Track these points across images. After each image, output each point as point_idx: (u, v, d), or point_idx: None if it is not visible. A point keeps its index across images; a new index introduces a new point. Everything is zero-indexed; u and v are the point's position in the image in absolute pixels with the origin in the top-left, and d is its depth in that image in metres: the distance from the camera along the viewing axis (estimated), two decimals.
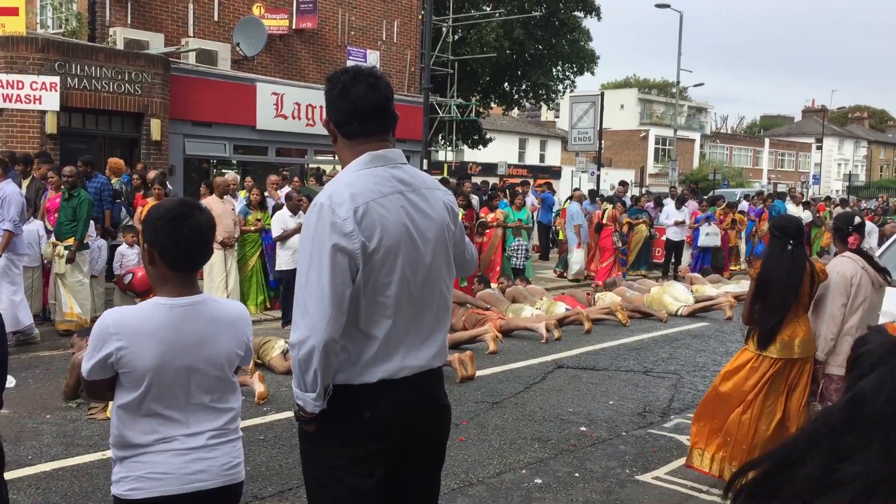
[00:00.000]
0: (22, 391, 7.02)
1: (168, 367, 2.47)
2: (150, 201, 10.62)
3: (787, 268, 4.83)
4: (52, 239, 9.23)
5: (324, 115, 2.69)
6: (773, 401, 4.92)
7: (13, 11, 13.14)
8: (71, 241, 9.07)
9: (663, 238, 17.01)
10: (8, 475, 5.07)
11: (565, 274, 16.00)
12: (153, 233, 2.52)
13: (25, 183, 10.20)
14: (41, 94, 13.11)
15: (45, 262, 9.47)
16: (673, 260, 16.91)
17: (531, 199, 18.42)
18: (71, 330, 9.01)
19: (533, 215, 17.57)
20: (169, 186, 12.02)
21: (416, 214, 2.55)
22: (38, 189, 10.14)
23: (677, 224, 16.53)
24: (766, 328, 4.85)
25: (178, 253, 2.50)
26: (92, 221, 9.86)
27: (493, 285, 13.00)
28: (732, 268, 18.12)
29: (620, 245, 15.99)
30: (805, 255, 4.99)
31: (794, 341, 4.86)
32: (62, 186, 9.38)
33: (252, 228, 10.94)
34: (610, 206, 16.44)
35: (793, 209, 19.70)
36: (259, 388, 6.95)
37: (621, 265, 15.89)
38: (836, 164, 73.80)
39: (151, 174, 11.91)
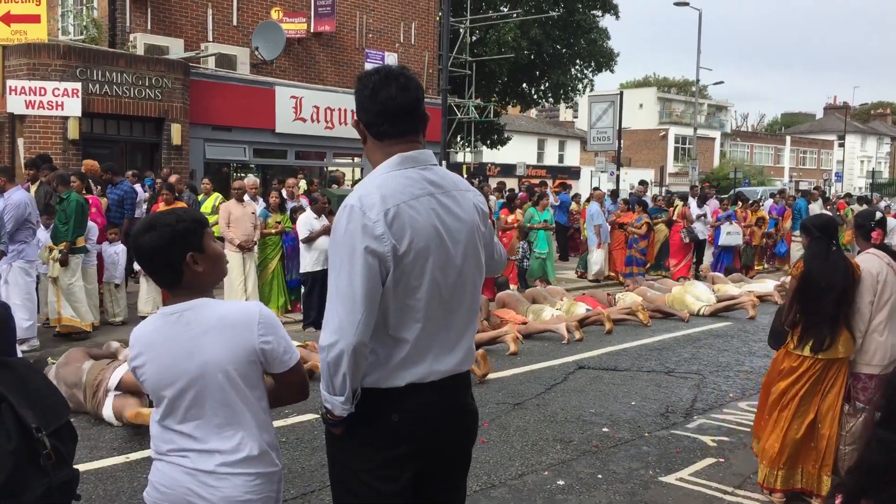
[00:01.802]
0: None
1: (168, 378, 2.42)
2: (162, 206, 10.68)
3: (841, 268, 4.81)
4: (49, 243, 9.17)
5: (347, 118, 2.67)
6: (808, 402, 4.87)
7: (35, 19, 13.28)
8: (64, 246, 8.99)
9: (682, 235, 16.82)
10: None
11: (586, 274, 15.93)
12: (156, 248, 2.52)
13: (34, 188, 10.18)
14: (63, 100, 13.25)
15: (42, 265, 9.39)
16: (694, 259, 16.77)
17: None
18: (72, 332, 9.01)
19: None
20: (188, 193, 12.09)
21: (446, 217, 2.52)
22: (47, 193, 10.13)
23: (699, 219, 16.39)
24: (825, 331, 4.77)
25: (149, 271, 2.54)
26: (94, 225, 9.85)
27: (513, 286, 12.98)
28: (757, 267, 17.99)
29: (688, 241, 16.25)
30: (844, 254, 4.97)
31: (839, 340, 4.81)
32: (55, 193, 9.38)
33: (272, 231, 10.97)
34: (681, 204, 16.83)
35: (812, 208, 19.51)
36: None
37: (639, 265, 15.81)
38: (858, 162, 73.03)
39: (173, 178, 11.99)
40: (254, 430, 2.45)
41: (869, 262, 4.87)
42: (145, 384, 2.48)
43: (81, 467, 5.32)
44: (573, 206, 18.70)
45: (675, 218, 16.46)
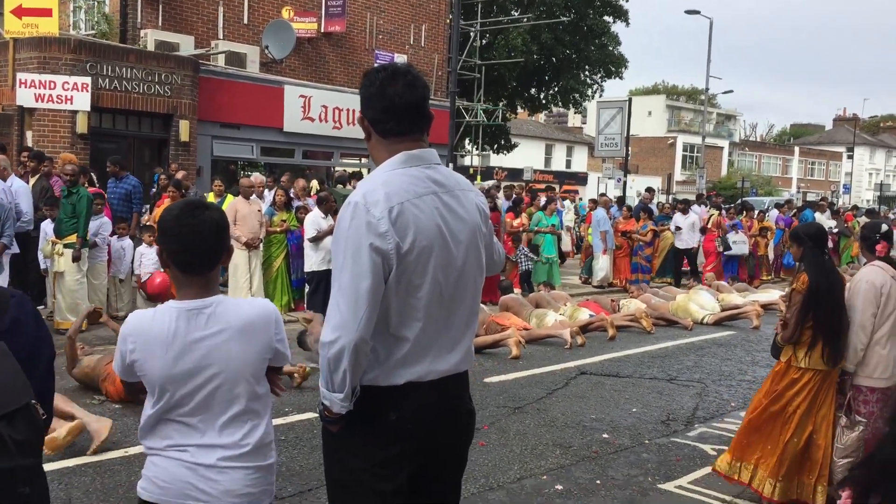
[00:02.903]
0: None
1: (176, 374, 2.38)
2: (168, 203, 10.72)
3: (839, 277, 4.85)
4: (51, 237, 9.12)
5: (355, 118, 2.67)
6: (807, 413, 4.85)
7: (46, 12, 13.32)
8: (73, 239, 8.89)
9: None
10: None
11: (590, 280, 15.91)
12: (161, 234, 2.49)
13: (33, 180, 10.13)
14: (73, 94, 13.28)
15: (45, 259, 9.40)
16: (689, 268, 16.67)
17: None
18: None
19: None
20: (193, 189, 12.10)
21: (449, 216, 2.52)
22: (44, 188, 10.11)
23: (678, 229, 16.23)
24: (834, 341, 4.76)
25: (180, 253, 2.41)
26: (108, 220, 9.87)
27: (516, 290, 12.97)
28: (764, 277, 17.93)
29: (722, 250, 16.47)
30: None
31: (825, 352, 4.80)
32: (63, 185, 9.35)
33: (278, 229, 10.98)
34: (716, 213, 17.09)
35: (820, 218, 19.45)
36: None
37: (644, 272, 15.78)
38: (867, 174, 72.84)
39: (180, 174, 12.02)
40: (256, 425, 2.48)
41: (873, 274, 4.85)
42: (146, 378, 2.42)
43: (80, 460, 5.34)
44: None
45: (710, 227, 16.72)
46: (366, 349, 2.40)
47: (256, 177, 11.95)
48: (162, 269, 9.79)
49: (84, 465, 5.29)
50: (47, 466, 5.17)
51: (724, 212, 17.41)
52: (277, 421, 6.36)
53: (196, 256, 2.42)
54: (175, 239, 2.41)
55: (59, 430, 5.35)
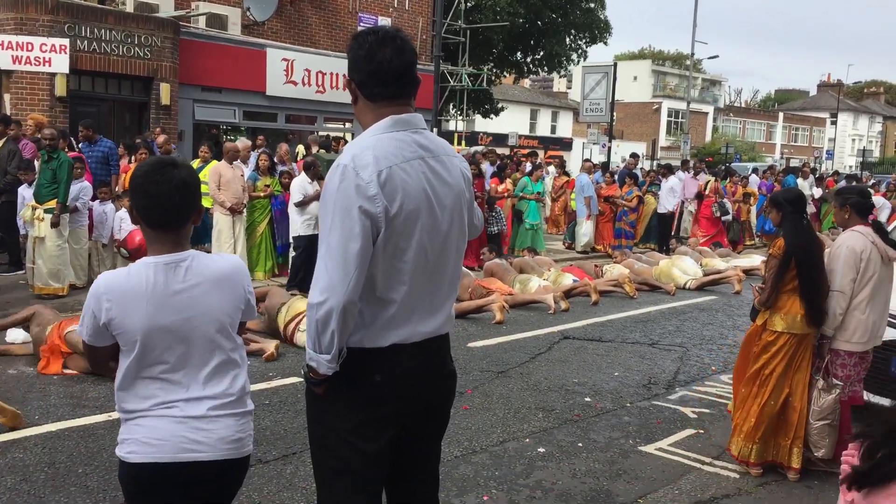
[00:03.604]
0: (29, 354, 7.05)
1: (158, 328, 2.40)
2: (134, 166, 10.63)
3: (818, 241, 4.89)
4: (31, 202, 9.01)
5: (339, 82, 2.66)
6: (784, 376, 4.91)
7: None
8: (52, 204, 8.79)
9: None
10: (15, 434, 5.13)
11: (573, 245, 15.96)
12: (131, 190, 2.52)
13: (0, 143, 9.93)
14: (51, 56, 13.06)
15: (24, 224, 9.29)
16: (672, 233, 16.74)
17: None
18: (52, 294, 8.87)
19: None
20: (175, 153, 11.96)
21: (435, 181, 2.54)
22: (11, 152, 9.94)
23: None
24: (813, 304, 4.80)
25: (150, 209, 2.44)
26: (89, 184, 9.74)
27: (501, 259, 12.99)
28: (748, 242, 18.07)
29: (719, 215, 16.53)
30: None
31: (798, 316, 4.85)
32: (42, 149, 9.18)
33: (261, 194, 10.91)
34: (712, 179, 17.10)
35: (803, 185, 19.56)
36: (269, 347, 7.09)
37: (628, 238, 15.84)
38: (850, 140, 73.12)
39: (161, 139, 11.87)
40: (237, 374, 2.56)
41: (853, 239, 4.89)
42: (125, 335, 2.41)
43: (64, 424, 5.34)
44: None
45: (707, 192, 16.77)
46: (354, 311, 2.42)
47: (243, 142, 11.82)
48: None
49: (68, 430, 5.29)
50: (30, 432, 5.19)
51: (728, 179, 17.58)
52: (261, 385, 6.39)
53: (164, 213, 2.44)
54: (143, 195, 2.44)
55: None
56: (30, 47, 12.98)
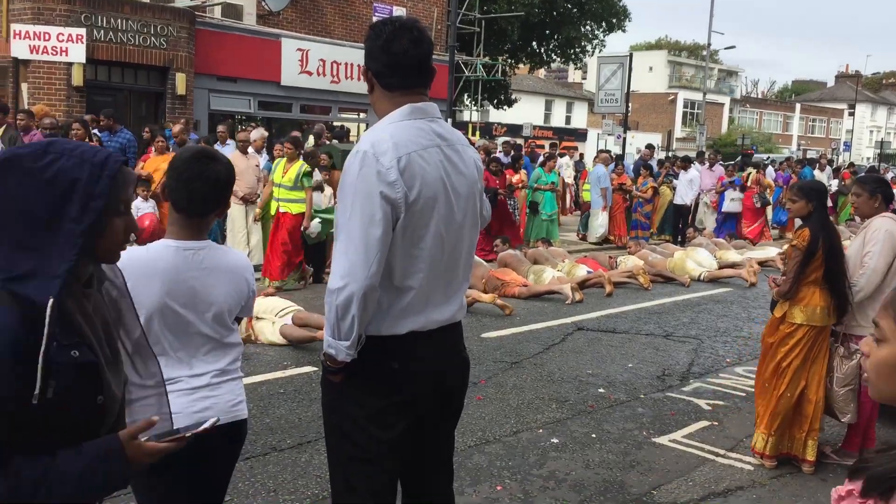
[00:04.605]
0: None
1: (169, 308, 2.49)
2: (154, 155, 10.67)
3: (837, 234, 4.89)
4: None
5: (354, 72, 2.68)
6: (801, 368, 4.89)
7: None
8: None
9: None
10: None
11: (587, 236, 15.92)
12: (168, 171, 2.61)
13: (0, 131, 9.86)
14: (67, 45, 13.13)
15: None
16: (681, 225, 16.69)
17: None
18: None
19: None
20: (193, 137, 12.01)
21: (451, 170, 2.56)
22: (12, 139, 9.94)
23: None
24: (844, 295, 4.79)
25: (180, 193, 2.53)
26: None
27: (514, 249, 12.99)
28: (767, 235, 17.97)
29: (760, 205, 16.70)
30: None
31: (818, 308, 4.82)
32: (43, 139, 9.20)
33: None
34: (754, 171, 17.26)
35: (819, 176, 19.41)
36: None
37: (644, 229, 15.80)
38: (867, 132, 72.43)
39: (176, 128, 11.92)
40: (236, 357, 2.69)
41: (890, 224, 4.89)
42: (140, 311, 2.47)
43: None
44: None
45: (748, 184, 16.85)
46: (374, 297, 2.44)
47: (258, 131, 11.85)
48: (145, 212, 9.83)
49: None
50: None
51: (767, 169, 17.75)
52: (276, 374, 6.42)
53: (191, 201, 2.53)
54: (176, 178, 2.54)
55: None
56: (47, 37, 13.05)
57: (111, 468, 1.67)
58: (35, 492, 1.57)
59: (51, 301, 1.54)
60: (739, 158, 24.55)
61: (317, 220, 10.04)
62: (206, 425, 1.88)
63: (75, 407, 1.64)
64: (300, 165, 9.76)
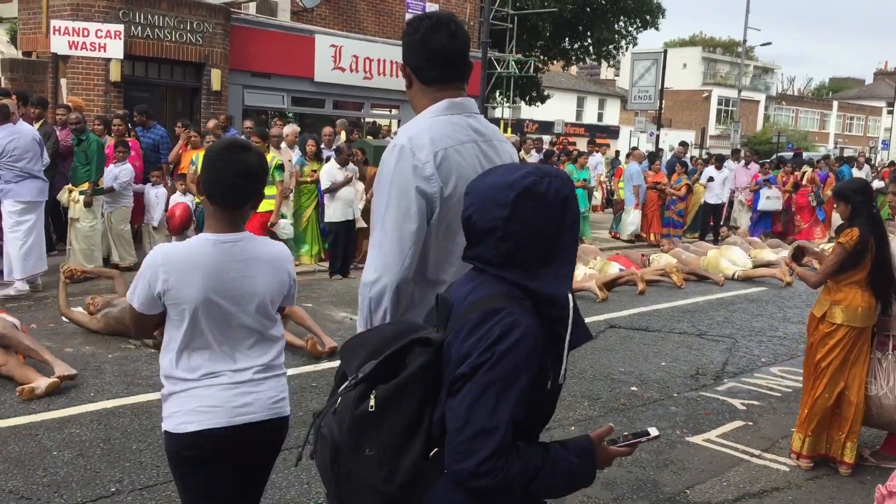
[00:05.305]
0: (85, 331, 7.22)
1: (213, 301, 2.52)
2: (189, 150, 10.80)
3: (886, 232, 4.84)
4: (69, 185, 9.27)
5: (387, 68, 2.68)
6: (840, 369, 4.82)
7: None
8: (86, 186, 9.04)
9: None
10: (71, 410, 5.27)
11: (619, 234, 15.82)
12: (203, 164, 2.63)
13: (37, 125, 9.78)
14: (105, 41, 13.30)
15: (62, 207, 9.56)
16: (712, 223, 16.52)
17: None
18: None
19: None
20: (233, 132, 12.08)
21: (487, 165, 2.55)
22: (47, 133, 9.99)
23: (711, 180, 16.16)
24: (889, 294, 4.75)
25: (213, 185, 2.55)
26: (130, 166, 9.81)
27: None
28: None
29: (815, 204, 16.79)
30: None
31: (859, 309, 4.76)
32: (72, 134, 9.39)
33: (308, 179, 11.00)
34: (809, 169, 17.35)
35: (857, 174, 19.10)
36: (330, 342, 6.88)
37: (676, 227, 15.65)
38: None
39: (211, 123, 12.03)
40: (280, 350, 2.72)
41: None
42: (179, 306, 2.51)
43: (119, 402, 5.47)
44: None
45: (803, 182, 16.94)
46: (408, 291, 2.44)
47: (291, 127, 11.92)
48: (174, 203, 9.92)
49: (122, 407, 5.42)
50: (85, 408, 5.32)
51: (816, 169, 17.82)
52: (308, 368, 6.47)
53: (224, 192, 2.55)
54: (210, 170, 2.56)
55: (39, 382, 5.49)
56: (85, 33, 13.23)
57: (587, 467, 1.85)
58: (534, 477, 1.75)
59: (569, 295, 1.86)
60: (775, 157, 24.20)
61: (286, 220, 10.00)
62: (653, 433, 1.99)
63: (555, 395, 1.92)
64: (270, 158, 9.38)
